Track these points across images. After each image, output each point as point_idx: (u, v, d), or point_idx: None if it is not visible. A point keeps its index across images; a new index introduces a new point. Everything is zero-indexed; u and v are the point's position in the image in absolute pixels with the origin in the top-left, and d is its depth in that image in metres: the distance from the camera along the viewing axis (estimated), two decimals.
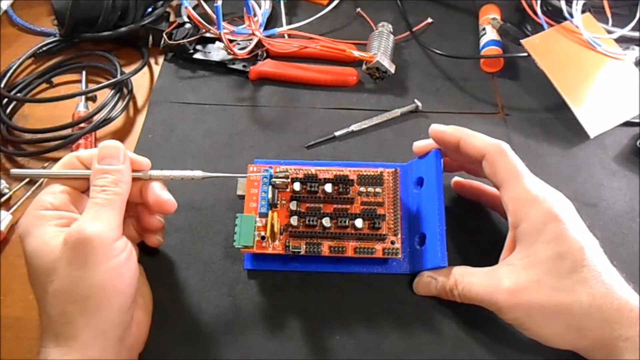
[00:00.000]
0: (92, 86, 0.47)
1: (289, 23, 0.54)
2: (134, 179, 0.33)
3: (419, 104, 0.47)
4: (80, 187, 0.32)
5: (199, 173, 0.34)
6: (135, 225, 0.36)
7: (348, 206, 0.36)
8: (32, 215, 0.30)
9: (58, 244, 0.28)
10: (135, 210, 0.35)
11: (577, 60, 0.47)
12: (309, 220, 0.35)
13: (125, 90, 0.48)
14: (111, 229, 0.29)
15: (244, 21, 0.50)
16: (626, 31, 0.48)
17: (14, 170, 0.34)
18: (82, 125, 0.44)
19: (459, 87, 0.50)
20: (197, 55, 0.50)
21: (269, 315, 0.35)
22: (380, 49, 0.49)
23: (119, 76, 0.47)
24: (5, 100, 0.46)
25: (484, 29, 0.53)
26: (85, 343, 0.28)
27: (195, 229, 0.39)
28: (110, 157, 0.31)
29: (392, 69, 0.49)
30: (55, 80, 0.50)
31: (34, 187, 0.41)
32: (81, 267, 0.28)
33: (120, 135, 0.46)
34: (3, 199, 0.41)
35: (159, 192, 0.33)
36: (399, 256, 0.35)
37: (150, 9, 0.52)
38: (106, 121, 0.45)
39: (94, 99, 0.48)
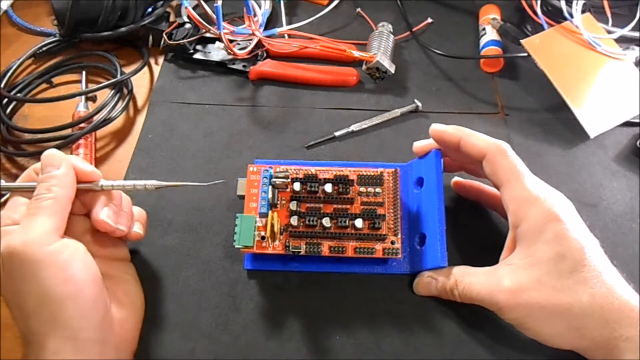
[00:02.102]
0: (92, 86, 0.47)
1: (289, 23, 0.54)
2: (85, 190, 0.32)
3: (419, 104, 0.47)
4: None
5: (152, 182, 0.34)
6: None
7: (348, 206, 0.36)
8: None
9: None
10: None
11: (577, 60, 0.47)
12: (309, 220, 0.35)
13: (125, 91, 0.48)
14: (42, 234, 0.28)
15: (244, 21, 0.50)
16: (626, 31, 0.48)
17: None
18: (82, 125, 0.44)
19: (459, 87, 0.50)
20: (197, 55, 0.50)
21: (269, 315, 0.35)
22: (380, 49, 0.49)
23: (119, 76, 0.47)
24: (5, 100, 0.46)
25: (484, 29, 0.53)
26: (56, 350, 0.28)
27: (195, 229, 0.39)
28: (48, 165, 0.31)
29: (392, 69, 0.49)
30: (55, 80, 0.50)
31: (2, 199, 0.41)
32: (22, 279, 0.28)
33: (120, 135, 0.46)
34: (3, 199, 0.41)
35: (96, 211, 0.32)
36: (399, 256, 0.35)
37: (150, 9, 0.52)
38: (106, 121, 0.45)
39: (94, 99, 0.48)
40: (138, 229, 0.35)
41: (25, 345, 0.29)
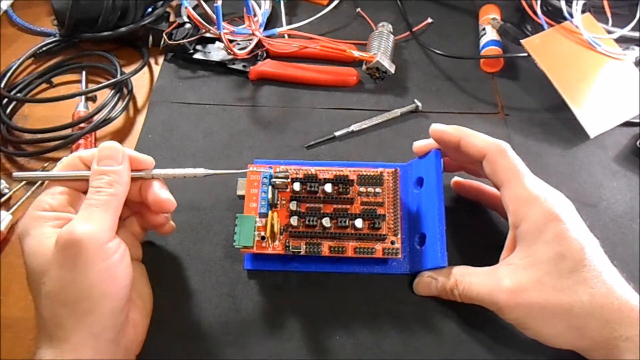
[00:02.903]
0: (92, 86, 0.47)
1: (289, 23, 0.54)
2: (136, 179, 0.33)
3: (419, 104, 0.47)
4: (81, 188, 0.32)
5: (200, 170, 0.35)
6: (139, 221, 0.35)
7: (348, 206, 0.36)
8: (31, 216, 0.30)
9: (52, 246, 0.28)
10: (138, 208, 0.35)
11: (577, 60, 0.47)
12: (309, 221, 0.35)
13: (125, 91, 0.48)
14: (103, 230, 0.29)
15: (244, 21, 0.50)
16: (626, 31, 0.48)
17: (17, 174, 0.34)
18: (82, 125, 0.44)
19: (459, 87, 0.50)
20: (197, 55, 0.50)
21: (269, 315, 0.35)
22: (380, 49, 0.49)
23: (119, 76, 0.47)
24: (5, 100, 0.46)
25: (484, 29, 0.53)
26: (77, 345, 0.28)
27: (195, 229, 0.39)
28: (108, 158, 0.31)
29: (392, 69, 0.49)
30: (55, 80, 0.50)
31: (34, 187, 0.41)
32: (71, 269, 0.28)
33: (120, 135, 0.46)
34: (3, 199, 0.41)
35: (157, 192, 0.33)
36: (399, 256, 0.35)
37: (150, 9, 0.52)
38: (106, 121, 0.45)
39: (94, 99, 0.48)
40: (171, 222, 0.36)
41: (42, 336, 0.28)
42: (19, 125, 0.45)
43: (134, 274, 0.33)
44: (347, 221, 0.35)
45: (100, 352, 0.28)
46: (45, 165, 0.43)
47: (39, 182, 0.41)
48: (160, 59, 0.52)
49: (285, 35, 0.52)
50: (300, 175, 0.37)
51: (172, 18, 0.53)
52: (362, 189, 0.36)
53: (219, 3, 0.45)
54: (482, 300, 0.31)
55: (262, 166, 0.37)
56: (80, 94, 0.46)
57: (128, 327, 0.31)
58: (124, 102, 0.47)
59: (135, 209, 0.35)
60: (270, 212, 0.34)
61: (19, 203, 0.41)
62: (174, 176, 0.34)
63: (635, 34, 0.49)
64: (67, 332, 0.28)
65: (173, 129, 0.45)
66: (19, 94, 0.47)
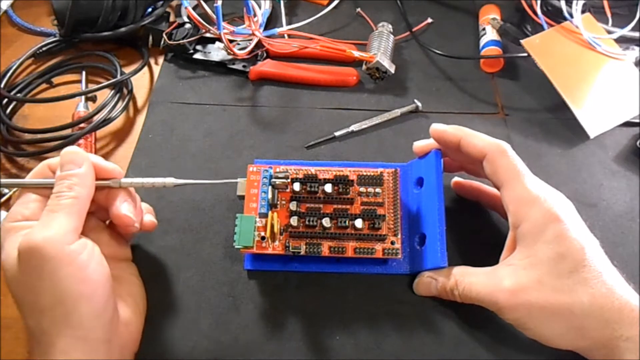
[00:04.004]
0: (92, 86, 0.47)
1: (289, 23, 0.54)
2: (102, 187, 0.32)
3: (419, 104, 0.47)
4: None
5: (170, 180, 0.34)
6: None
7: (348, 206, 0.36)
8: (4, 228, 0.30)
9: (17, 255, 0.28)
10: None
11: (577, 60, 0.47)
12: (308, 221, 0.35)
13: (125, 91, 0.48)
14: (63, 233, 0.28)
15: (244, 21, 0.50)
16: (626, 31, 0.48)
17: None
18: (82, 125, 0.44)
19: (459, 87, 0.50)
20: (197, 56, 0.50)
21: (269, 315, 0.35)
22: (380, 49, 0.49)
23: (119, 76, 0.47)
24: (5, 100, 0.46)
25: (484, 29, 0.53)
26: (65, 349, 0.27)
27: (195, 229, 0.39)
28: (69, 163, 0.31)
29: (392, 69, 0.49)
30: (55, 80, 0.50)
31: (2, 199, 0.41)
32: (38, 276, 0.27)
33: (120, 135, 0.46)
34: (3, 199, 0.41)
35: (118, 205, 0.32)
36: (399, 256, 0.35)
37: (150, 9, 0.52)
38: (106, 121, 0.45)
39: (94, 99, 0.48)
40: (151, 218, 0.35)
41: (32, 343, 0.29)
42: (19, 125, 0.45)
43: (122, 274, 0.33)
44: (347, 221, 0.35)
45: (91, 353, 0.28)
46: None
47: (11, 192, 0.41)
48: (160, 59, 0.52)
49: (285, 35, 0.52)
50: (300, 176, 0.37)
51: (172, 18, 0.53)
52: (362, 189, 0.36)
53: (219, 3, 0.45)
54: (482, 301, 0.31)
55: (262, 166, 0.37)
56: (80, 94, 0.46)
57: (119, 326, 0.31)
58: (124, 102, 0.47)
59: (105, 215, 0.34)
60: (270, 213, 0.34)
61: None
62: (143, 185, 0.34)
63: (635, 34, 0.49)
64: (52, 337, 0.28)
65: (173, 129, 0.45)
66: (19, 94, 0.47)
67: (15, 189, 0.41)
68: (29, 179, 0.32)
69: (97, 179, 0.32)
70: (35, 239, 0.27)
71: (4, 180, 0.35)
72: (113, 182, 0.33)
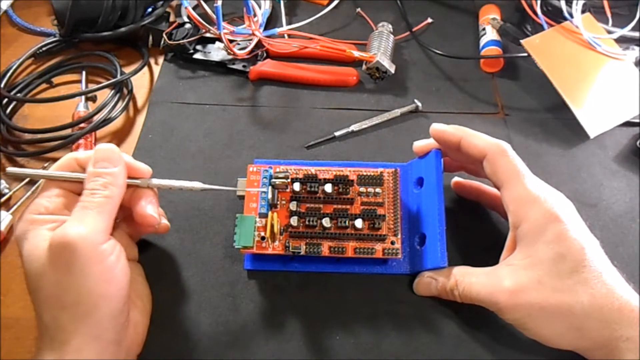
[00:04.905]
0: (92, 86, 0.47)
1: (289, 23, 0.54)
2: (131, 186, 0.33)
3: (419, 104, 0.47)
4: (77, 190, 0.32)
5: (198, 184, 0.34)
6: (128, 226, 0.35)
7: (348, 206, 0.36)
8: (27, 219, 0.30)
9: (47, 249, 0.28)
10: (128, 213, 0.34)
11: (577, 60, 0.47)
12: (308, 221, 0.35)
13: (125, 91, 0.48)
14: (97, 232, 0.28)
15: (244, 21, 0.50)
16: (626, 31, 0.48)
17: (10, 169, 0.34)
18: (82, 125, 0.44)
19: (459, 87, 0.50)
20: (197, 56, 0.50)
21: (269, 315, 0.35)
22: (380, 49, 0.49)
23: (119, 76, 0.47)
24: (5, 100, 0.46)
25: (484, 29, 0.53)
26: (79, 347, 0.28)
27: (195, 229, 0.39)
28: (104, 160, 0.31)
29: (392, 69, 0.49)
30: (55, 80, 0.50)
31: (33, 188, 0.41)
32: (67, 272, 0.27)
33: (120, 135, 0.46)
34: (3, 199, 0.41)
35: (143, 205, 0.33)
36: (399, 256, 0.35)
37: (150, 9, 0.52)
38: (106, 121, 0.45)
39: (94, 99, 0.48)
40: (165, 220, 0.35)
41: (43, 339, 0.28)
42: (19, 125, 0.45)
43: (131, 275, 0.33)
44: (347, 221, 0.35)
45: (102, 354, 0.28)
46: (45, 165, 0.43)
47: (37, 184, 0.41)
48: (160, 59, 0.52)
49: (285, 35, 0.52)
50: (300, 175, 0.37)
51: (172, 18, 0.53)
52: (362, 189, 0.36)
53: (219, 3, 0.45)
54: (482, 301, 0.31)
55: (262, 166, 0.37)
56: (80, 94, 0.46)
57: (129, 328, 0.31)
58: (124, 102, 0.47)
59: (125, 213, 0.34)
60: (270, 213, 0.34)
61: (19, 203, 0.41)
62: (171, 187, 0.34)
63: (635, 34, 0.49)
64: (68, 334, 0.28)
65: (173, 129, 0.45)
66: (19, 94, 0.47)
67: (15, 190, 0.41)
68: (56, 171, 0.32)
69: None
70: (70, 234, 0.27)
71: (31, 171, 0.35)
72: (142, 181, 0.33)
